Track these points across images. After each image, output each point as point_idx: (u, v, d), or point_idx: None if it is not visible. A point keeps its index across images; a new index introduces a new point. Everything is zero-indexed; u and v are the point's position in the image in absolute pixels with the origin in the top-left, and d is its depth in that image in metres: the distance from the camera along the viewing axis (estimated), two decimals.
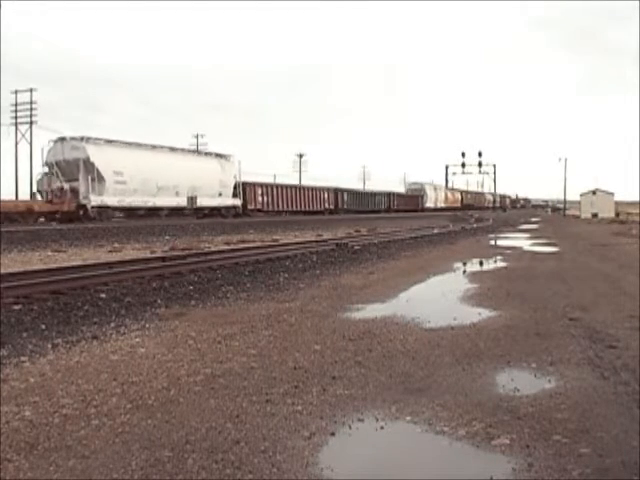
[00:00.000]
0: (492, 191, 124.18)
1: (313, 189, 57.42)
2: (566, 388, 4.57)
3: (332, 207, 58.65)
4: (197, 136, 76.54)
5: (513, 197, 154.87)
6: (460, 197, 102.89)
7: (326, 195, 58.57)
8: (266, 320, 7.22)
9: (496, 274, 12.71)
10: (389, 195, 74.58)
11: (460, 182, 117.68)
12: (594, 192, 66.40)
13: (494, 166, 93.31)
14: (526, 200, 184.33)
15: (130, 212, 34.16)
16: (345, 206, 61.27)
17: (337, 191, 61.02)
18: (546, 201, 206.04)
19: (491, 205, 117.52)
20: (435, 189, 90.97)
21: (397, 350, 5.78)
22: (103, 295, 8.76)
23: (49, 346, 5.89)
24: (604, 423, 3.82)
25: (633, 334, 6.32)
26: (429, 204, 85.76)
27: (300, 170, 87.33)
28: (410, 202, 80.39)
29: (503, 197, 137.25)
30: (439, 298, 9.27)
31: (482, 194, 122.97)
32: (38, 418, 3.91)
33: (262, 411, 4.06)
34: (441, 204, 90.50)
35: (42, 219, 30.39)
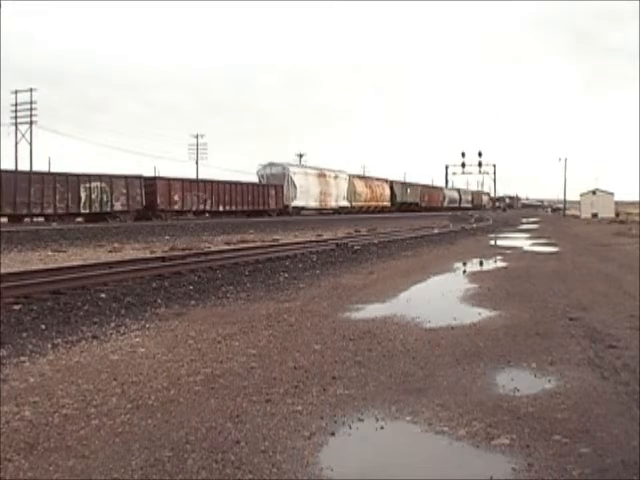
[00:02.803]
0: (452, 186, 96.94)
1: None
2: (566, 388, 4.57)
3: None
4: (197, 136, 76.47)
5: (494, 195, 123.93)
6: (389, 192, 66.56)
7: None
8: (266, 320, 7.22)
9: (496, 274, 12.71)
10: (135, 181, 34.19)
11: (460, 182, 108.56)
12: (594, 192, 66.31)
13: (494, 166, 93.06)
14: (513, 198, 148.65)
15: None
16: None
17: None
18: (541, 200, 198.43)
19: (456, 205, 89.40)
20: (322, 176, 53.58)
21: (397, 350, 5.78)
22: (103, 295, 8.76)
23: (49, 346, 5.89)
24: (604, 423, 3.82)
25: (633, 334, 6.32)
26: (301, 202, 49.89)
27: None
28: (241, 197, 42.89)
29: (478, 194, 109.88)
30: (439, 298, 9.26)
31: (439, 189, 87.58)
32: (38, 418, 3.91)
33: (262, 411, 4.06)
34: (339, 202, 55.82)
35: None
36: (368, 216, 51.64)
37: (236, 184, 43.96)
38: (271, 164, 50.84)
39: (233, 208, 42.45)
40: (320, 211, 53.50)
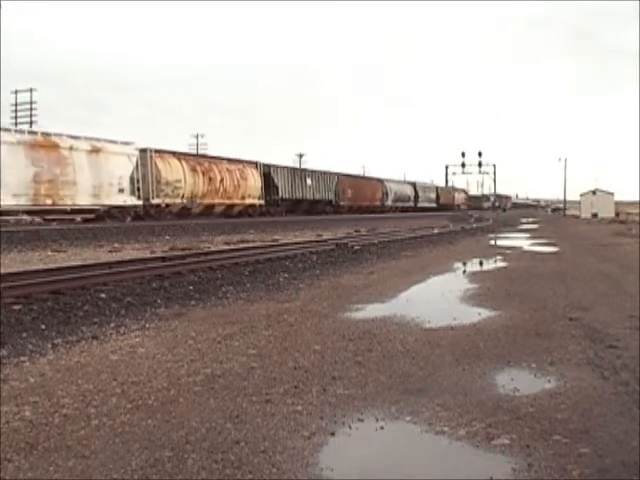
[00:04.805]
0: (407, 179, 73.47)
1: None
2: (566, 388, 4.57)
3: None
4: (197, 136, 76.37)
5: (474, 193, 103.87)
6: (260, 183, 40.76)
7: None
8: (266, 320, 7.22)
9: (496, 274, 12.71)
10: None
11: (460, 182, 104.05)
12: (594, 192, 66.32)
13: (494, 166, 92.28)
14: (502, 197, 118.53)
15: None
16: None
17: None
18: (537, 200, 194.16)
19: (409, 204, 67.77)
20: (41, 147, 25.67)
21: (397, 350, 5.78)
22: (103, 295, 8.75)
23: (49, 346, 5.89)
24: (604, 423, 3.82)
25: (633, 334, 6.32)
26: None
27: None
28: None
29: (447, 191, 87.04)
30: (439, 298, 9.26)
31: (375, 181, 62.37)
32: (38, 418, 3.91)
33: (262, 411, 4.06)
34: (107, 198, 28.98)
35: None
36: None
37: None
38: None
39: None
40: (43, 216, 26.04)
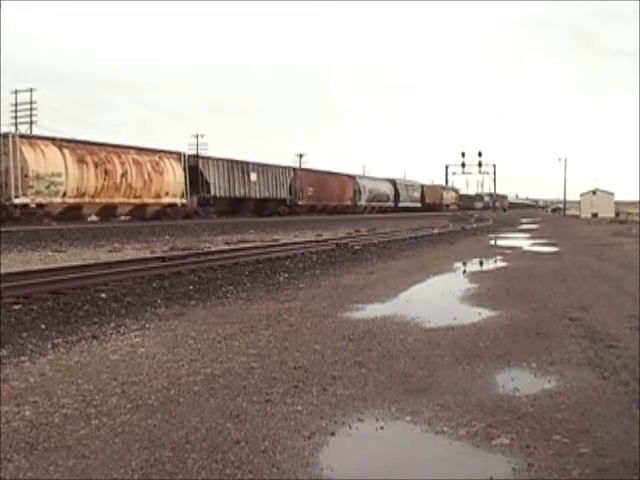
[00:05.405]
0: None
1: None
2: (566, 388, 4.57)
3: None
4: (197, 136, 76.27)
5: (467, 192, 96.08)
6: (182, 177, 33.80)
7: None
8: (266, 320, 7.22)
9: (496, 274, 12.71)
10: None
11: (460, 182, 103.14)
12: (594, 192, 66.33)
13: (494, 166, 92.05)
14: (499, 197, 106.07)
15: None
16: None
17: None
18: (536, 200, 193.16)
19: (389, 204, 60.94)
20: None
21: (397, 350, 5.78)
22: (103, 295, 8.75)
23: (49, 346, 5.89)
24: (604, 423, 3.82)
25: (633, 334, 6.32)
26: None
27: None
28: None
29: (434, 190, 78.19)
30: (439, 298, 9.26)
31: (343, 177, 53.65)
32: (38, 418, 3.91)
33: (262, 411, 4.06)
34: None
35: None
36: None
37: None
38: None
39: None
40: None
